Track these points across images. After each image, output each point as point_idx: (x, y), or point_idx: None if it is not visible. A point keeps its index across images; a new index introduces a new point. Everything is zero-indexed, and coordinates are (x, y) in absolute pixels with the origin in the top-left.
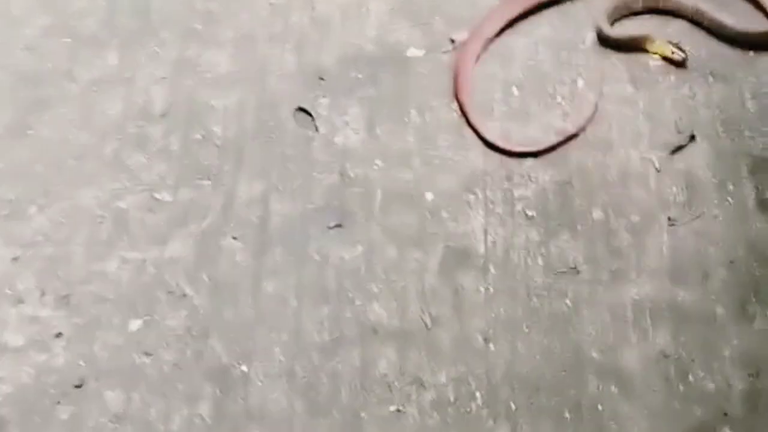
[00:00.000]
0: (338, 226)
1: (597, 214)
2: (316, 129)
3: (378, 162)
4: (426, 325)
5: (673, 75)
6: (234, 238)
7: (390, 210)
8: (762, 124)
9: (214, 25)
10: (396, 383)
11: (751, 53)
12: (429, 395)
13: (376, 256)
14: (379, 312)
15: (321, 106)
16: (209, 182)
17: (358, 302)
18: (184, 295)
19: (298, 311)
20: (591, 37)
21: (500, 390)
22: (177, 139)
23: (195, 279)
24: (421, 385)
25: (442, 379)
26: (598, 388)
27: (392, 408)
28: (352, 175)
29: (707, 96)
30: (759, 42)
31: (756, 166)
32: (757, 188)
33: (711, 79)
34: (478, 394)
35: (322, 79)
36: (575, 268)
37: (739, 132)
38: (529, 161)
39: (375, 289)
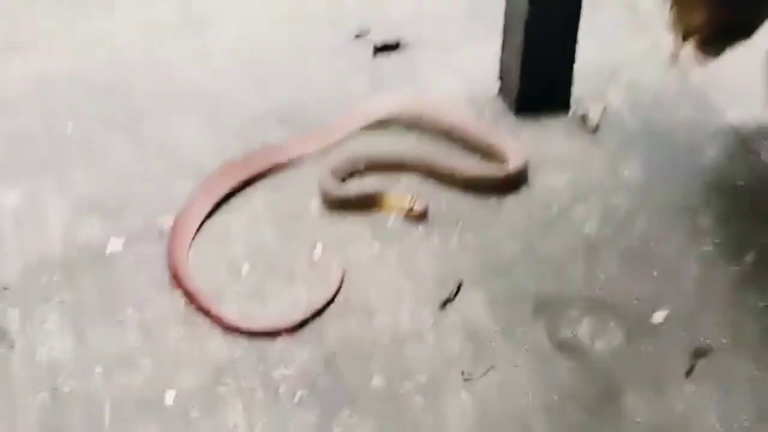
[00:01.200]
0: None
1: (377, 381)
2: (11, 345)
3: (98, 370)
4: None
5: (418, 228)
6: None
7: (125, 421)
8: (527, 262)
9: None
10: None
11: (494, 198)
12: None
13: None
14: None
15: (11, 320)
16: None
17: None
18: None
19: None
20: (316, 202)
21: None
22: None
23: None
24: None
25: None
26: None
27: None
28: (67, 389)
29: (462, 243)
30: (498, 186)
31: (537, 307)
32: (547, 328)
33: (460, 226)
34: None
35: (6, 289)
36: None
37: (507, 275)
38: (282, 340)
39: None
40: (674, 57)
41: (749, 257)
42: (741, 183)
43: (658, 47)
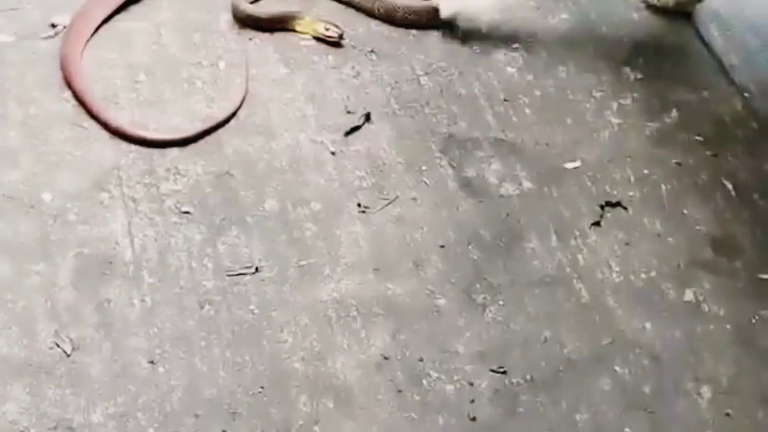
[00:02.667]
0: None
1: (270, 204)
2: None
3: None
4: (64, 353)
5: (330, 55)
6: None
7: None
8: (441, 100)
9: None
10: (33, 430)
11: (414, 32)
12: None
13: None
14: None
15: None
16: None
17: None
18: None
19: None
20: (226, 17)
21: (181, 420)
22: None
23: None
24: (69, 428)
25: (98, 417)
26: (309, 405)
27: None
28: None
29: (374, 74)
30: (419, 19)
31: (446, 143)
32: (453, 166)
33: (374, 57)
34: (151, 430)
35: None
36: (253, 267)
37: (418, 109)
38: (174, 152)
39: None
40: None
41: (669, 115)
42: (670, 42)
43: None
